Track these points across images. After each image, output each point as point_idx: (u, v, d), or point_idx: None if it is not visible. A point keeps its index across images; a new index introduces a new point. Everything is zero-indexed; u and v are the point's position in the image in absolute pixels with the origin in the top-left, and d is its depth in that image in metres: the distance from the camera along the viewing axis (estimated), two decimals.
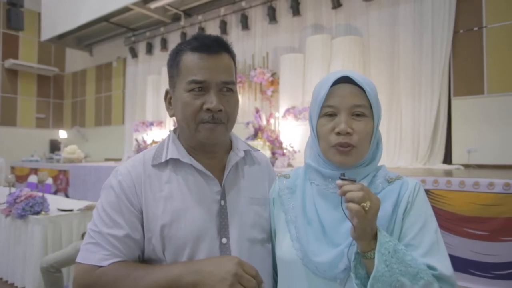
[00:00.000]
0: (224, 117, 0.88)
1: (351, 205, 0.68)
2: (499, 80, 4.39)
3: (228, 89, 0.88)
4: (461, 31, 4.62)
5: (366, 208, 0.67)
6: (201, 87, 0.85)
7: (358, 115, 0.82)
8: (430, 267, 0.73)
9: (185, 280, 0.74)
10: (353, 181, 0.71)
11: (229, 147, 0.98)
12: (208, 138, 0.88)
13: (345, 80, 0.83)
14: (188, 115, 0.86)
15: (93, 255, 0.80)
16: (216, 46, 0.87)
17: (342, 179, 0.72)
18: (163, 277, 0.76)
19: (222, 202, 0.90)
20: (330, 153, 0.84)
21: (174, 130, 0.97)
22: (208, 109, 0.85)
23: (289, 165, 4.82)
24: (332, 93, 0.83)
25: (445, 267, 0.74)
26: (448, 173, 3.58)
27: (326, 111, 0.84)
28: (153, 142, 6.86)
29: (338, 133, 0.81)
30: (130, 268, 0.79)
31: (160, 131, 7.39)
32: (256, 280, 0.75)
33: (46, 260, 2.64)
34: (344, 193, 0.69)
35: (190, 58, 0.86)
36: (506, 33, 4.35)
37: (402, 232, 0.80)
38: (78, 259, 0.82)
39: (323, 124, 0.85)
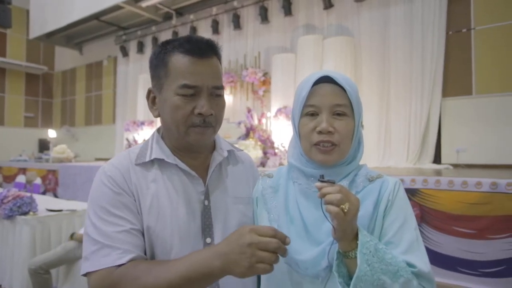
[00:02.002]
0: (213, 121, 0.88)
1: (330, 207, 0.68)
2: (487, 81, 4.47)
3: (217, 93, 0.89)
4: (450, 32, 4.69)
5: (345, 210, 0.68)
6: (192, 92, 0.85)
7: (339, 114, 0.84)
8: (410, 265, 0.75)
9: (211, 266, 0.71)
10: (332, 182, 0.71)
11: (213, 147, 0.98)
12: (197, 141, 0.88)
13: (326, 79, 0.84)
14: (178, 119, 0.85)
15: (105, 258, 0.77)
16: (208, 50, 0.87)
17: (321, 181, 0.72)
18: (184, 268, 0.73)
19: (206, 202, 0.90)
20: (312, 152, 0.85)
21: (158, 130, 0.97)
22: (199, 114, 0.85)
23: (281, 164, 4.83)
24: (313, 92, 0.85)
25: (423, 264, 0.76)
26: (438, 173, 3.63)
27: (307, 111, 0.85)
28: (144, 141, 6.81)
29: (320, 132, 0.83)
30: (150, 264, 0.77)
31: (151, 131, 7.29)
32: (277, 237, 0.70)
33: (34, 262, 2.60)
34: (323, 195, 0.70)
35: (181, 61, 0.85)
36: (493, 35, 4.43)
37: (382, 230, 0.81)
38: (88, 269, 0.77)
39: (305, 124, 0.86)
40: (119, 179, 0.85)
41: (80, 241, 2.71)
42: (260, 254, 0.68)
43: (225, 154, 0.97)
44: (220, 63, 0.93)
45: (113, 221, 0.80)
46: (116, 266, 0.76)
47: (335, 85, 0.84)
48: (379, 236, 0.81)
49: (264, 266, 0.68)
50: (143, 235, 0.84)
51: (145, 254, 0.84)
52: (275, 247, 0.69)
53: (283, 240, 0.70)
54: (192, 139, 0.87)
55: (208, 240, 0.87)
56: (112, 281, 0.74)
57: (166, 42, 0.89)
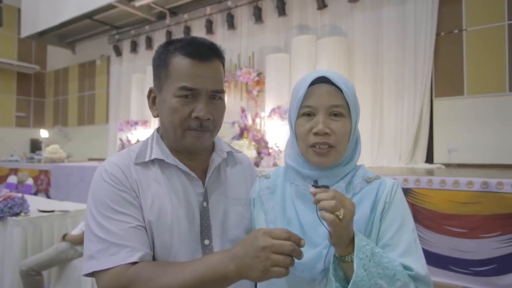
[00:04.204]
0: (211, 125, 0.88)
1: (325, 215, 0.67)
2: (478, 82, 4.52)
3: (217, 97, 0.88)
4: (442, 33, 4.73)
5: (340, 217, 0.67)
6: (191, 94, 0.84)
7: (335, 115, 0.83)
8: (407, 267, 0.75)
9: (226, 270, 0.69)
10: (326, 187, 0.70)
11: (212, 148, 0.98)
12: (194, 144, 0.88)
13: (322, 80, 0.84)
14: (176, 121, 0.85)
15: (115, 257, 0.75)
16: (210, 54, 0.86)
17: (315, 187, 0.71)
18: (199, 270, 0.71)
19: (205, 204, 0.89)
20: (308, 153, 0.85)
21: (158, 130, 0.96)
22: (196, 117, 0.84)
23: (275, 164, 4.84)
24: (310, 93, 0.84)
25: (421, 266, 0.76)
26: (430, 172, 3.66)
27: (304, 111, 0.85)
28: (138, 141, 6.75)
29: (316, 134, 0.82)
30: (163, 265, 0.77)
31: (145, 131, 7.30)
32: (291, 240, 0.68)
33: (26, 263, 2.57)
34: (317, 202, 0.69)
35: (182, 63, 0.84)
36: (484, 36, 4.48)
37: (380, 232, 0.81)
38: (96, 268, 0.76)
39: (302, 124, 0.85)
40: (120, 176, 0.84)
41: (72, 242, 2.69)
42: (274, 258, 0.66)
43: (224, 155, 0.97)
44: (223, 66, 0.92)
45: (118, 218, 0.79)
46: (127, 264, 0.75)
47: (332, 86, 0.83)
48: (376, 238, 0.80)
49: (279, 270, 0.66)
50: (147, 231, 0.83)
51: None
52: (290, 249, 0.67)
53: (298, 242, 0.69)
54: (188, 142, 0.87)
55: (206, 241, 0.87)
56: (126, 280, 0.73)
57: (169, 43, 0.89)
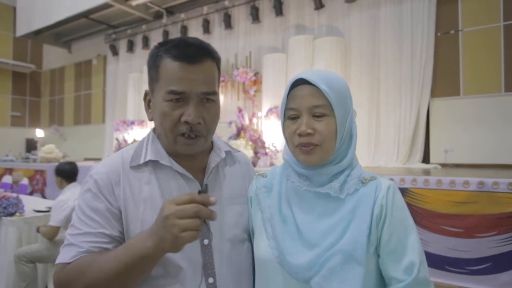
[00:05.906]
0: (203, 130, 0.85)
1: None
2: (474, 82, 4.54)
3: (208, 100, 0.85)
4: (439, 33, 4.75)
5: None
6: (180, 98, 0.82)
7: (318, 115, 0.83)
8: (407, 271, 0.77)
9: (144, 247, 0.70)
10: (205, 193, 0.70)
11: (210, 148, 0.97)
12: (186, 151, 0.86)
13: (305, 81, 0.84)
14: (166, 126, 0.83)
15: (67, 254, 0.79)
16: (198, 55, 0.83)
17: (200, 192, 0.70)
18: (122, 254, 0.73)
19: None
20: (295, 153, 0.86)
21: (154, 130, 0.95)
22: (186, 122, 0.83)
23: (272, 164, 4.83)
24: (293, 95, 0.86)
25: (425, 270, 0.78)
26: (426, 172, 3.67)
27: (289, 114, 0.86)
28: (134, 141, 6.72)
29: (300, 135, 0.83)
30: (94, 256, 0.78)
31: (142, 130, 7.27)
32: (196, 201, 0.67)
33: (19, 250, 2.64)
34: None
35: (170, 66, 0.82)
36: (481, 36, 4.50)
37: (381, 241, 0.80)
38: (55, 262, 0.82)
39: (288, 126, 0.87)
40: (104, 185, 0.84)
41: (44, 235, 2.65)
42: (180, 223, 0.65)
43: (223, 155, 0.96)
44: (217, 66, 0.89)
45: (87, 222, 0.82)
46: (69, 263, 0.78)
47: (313, 86, 0.83)
48: (376, 244, 0.80)
49: (189, 233, 0.65)
50: (116, 241, 0.83)
51: None
52: (194, 211, 0.66)
53: (206, 202, 0.68)
54: (180, 148, 0.86)
55: (206, 241, 0.87)
56: (63, 276, 0.77)
57: (161, 44, 0.87)
